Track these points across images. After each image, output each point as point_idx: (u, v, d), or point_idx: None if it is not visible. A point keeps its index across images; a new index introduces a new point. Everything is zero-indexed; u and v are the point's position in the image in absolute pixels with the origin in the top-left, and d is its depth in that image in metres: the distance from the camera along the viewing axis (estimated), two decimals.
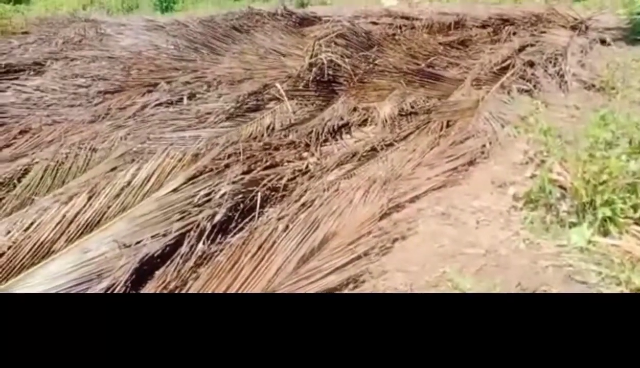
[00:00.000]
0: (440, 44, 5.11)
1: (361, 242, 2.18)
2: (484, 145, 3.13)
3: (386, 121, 3.48)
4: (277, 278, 1.97)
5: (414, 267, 2.03)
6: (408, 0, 10.04)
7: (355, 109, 3.75)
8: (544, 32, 5.58)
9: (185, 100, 4.12)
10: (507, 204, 2.52)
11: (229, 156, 3.02)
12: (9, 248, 2.03)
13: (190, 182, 2.67)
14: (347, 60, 4.30)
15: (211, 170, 2.82)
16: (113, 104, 3.93)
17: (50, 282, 1.92)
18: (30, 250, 2.05)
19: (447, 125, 3.46)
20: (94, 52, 5.43)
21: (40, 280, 1.92)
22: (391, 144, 3.25)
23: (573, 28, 5.71)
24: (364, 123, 3.64)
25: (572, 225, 2.22)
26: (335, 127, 3.48)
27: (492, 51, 5.12)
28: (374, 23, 6.51)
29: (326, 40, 4.59)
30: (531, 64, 4.51)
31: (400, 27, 5.95)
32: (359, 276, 1.98)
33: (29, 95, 4.15)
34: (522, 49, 5.04)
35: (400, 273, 2.00)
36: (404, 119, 3.60)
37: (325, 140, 3.34)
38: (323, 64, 4.18)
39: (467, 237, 2.25)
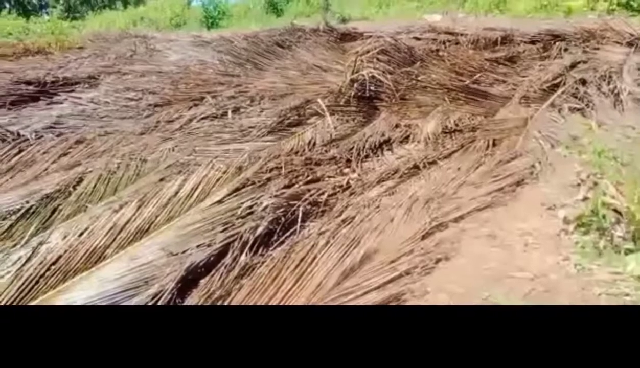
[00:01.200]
0: (486, 60, 5.05)
1: (403, 260, 2.18)
2: (532, 166, 3.07)
3: (429, 138, 3.48)
4: (317, 294, 2.01)
5: (457, 289, 2.01)
6: (452, 15, 10.01)
7: (397, 126, 3.78)
8: (597, 49, 5.42)
9: (229, 114, 4.28)
10: (557, 227, 2.45)
11: (271, 170, 3.11)
12: (66, 252, 2.18)
13: (234, 194, 2.77)
14: (389, 76, 4.34)
15: (254, 183, 2.92)
16: (162, 116, 4.15)
17: (102, 286, 2.04)
18: (84, 254, 2.19)
19: (494, 144, 3.42)
20: (144, 67, 5.76)
21: (93, 283, 2.05)
22: (434, 162, 3.24)
23: (629, 44, 5.51)
24: (405, 140, 3.66)
25: (628, 251, 2.13)
26: (377, 143, 3.51)
27: (541, 68, 5.02)
28: (417, 38, 6.53)
29: (368, 56, 4.65)
30: (583, 82, 4.39)
31: (444, 43, 5.94)
32: (401, 295, 1.98)
33: (84, 107, 4.46)
34: (573, 65, 4.90)
35: (443, 294, 1.98)
36: (448, 137, 3.58)
37: (367, 156, 3.38)
38: (365, 79, 4.24)
39: (514, 260, 2.20)
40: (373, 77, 4.21)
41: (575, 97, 4.12)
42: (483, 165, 3.13)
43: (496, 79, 4.76)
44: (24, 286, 2.00)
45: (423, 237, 2.36)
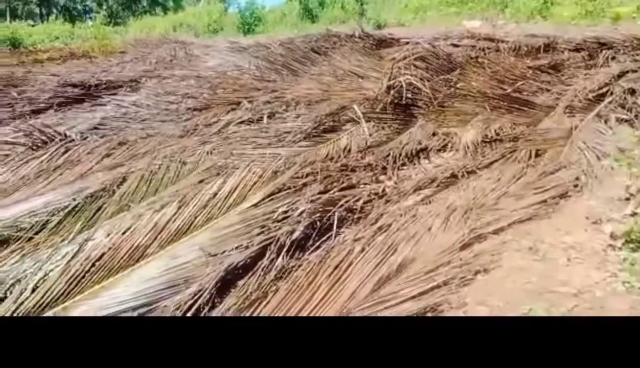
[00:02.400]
0: (529, 67, 4.96)
1: (440, 271, 2.18)
2: (577, 178, 3.00)
3: (468, 147, 3.44)
4: (353, 300, 2.03)
5: (497, 302, 1.99)
6: (492, 21, 9.86)
7: (434, 134, 3.76)
8: None
9: (265, 119, 4.38)
10: (603, 242, 2.38)
11: (307, 175, 3.16)
12: (109, 249, 2.28)
13: (270, 198, 2.82)
14: (426, 83, 4.33)
15: (289, 188, 2.97)
16: (200, 120, 4.28)
17: (143, 283, 2.13)
18: (127, 252, 2.29)
19: (536, 155, 3.35)
20: (183, 72, 5.97)
21: (135, 280, 2.14)
22: (473, 172, 3.21)
23: None
24: (443, 148, 3.63)
25: None
26: (413, 152, 3.51)
27: (587, 77, 4.88)
28: (455, 45, 6.47)
29: (405, 63, 4.65)
30: (632, 92, 4.24)
31: (484, 50, 5.86)
32: (438, 306, 1.98)
33: (127, 110, 4.66)
34: (621, 75, 4.74)
35: (482, 307, 1.97)
36: (488, 146, 3.54)
37: (403, 164, 3.38)
38: (401, 86, 4.24)
39: (556, 274, 2.16)
40: (410, 84, 4.21)
41: (623, 108, 3.99)
42: (525, 176, 3.08)
43: (539, 87, 4.67)
44: (71, 280, 2.11)
45: (461, 248, 2.35)
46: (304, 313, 1.95)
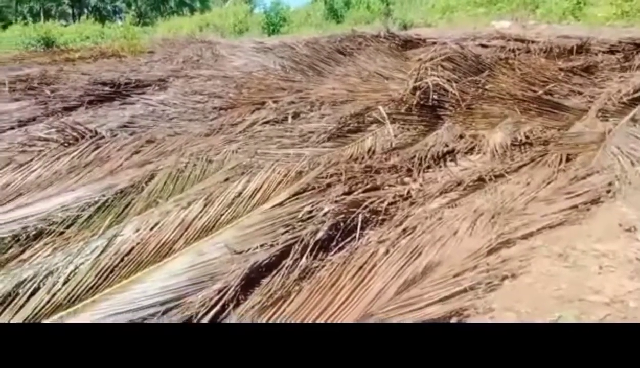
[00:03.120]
0: (560, 69, 4.85)
1: (466, 275, 2.15)
2: (610, 184, 2.91)
3: (496, 150, 3.39)
4: (376, 302, 2.03)
5: (525, 308, 1.95)
6: (522, 21, 9.68)
7: (461, 136, 3.71)
8: None
9: (290, 119, 4.41)
10: (636, 251, 2.32)
11: (331, 176, 3.17)
12: (137, 244, 2.34)
13: (294, 197, 2.84)
14: (454, 84, 4.28)
15: (314, 188, 2.98)
16: (226, 119, 4.35)
17: (170, 279, 2.18)
18: (155, 248, 2.35)
19: (567, 159, 3.28)
20: (210, 71, 6.07)
21: (162, 276, 2.19)
22: (501, 175, 3.16)
23: None
24: (470, 151, 3.59)
25: None
26: (440, 154, 3.48)
27: (621, 79, 4.74)
28: (484, 46, 6.38)
29: (432, 64, 4.61)
30: None
31: (514, 51, 5.75)
32: (463, 310, 1.96)
33: (154, 108, 4.77)
34: None
35: (509, 313, 1.94)
36: (517, 150, 3.48)
37: (428, 167, 3.35)
38: (428, 87, 4.21)
39: (587, 282, 2.11)
40: (437, 85, 4.17)
41: None
42: (555, 180, 3.01)
43: (571, 90, 4.56)
44: (100, 273, 2.17)
45: (488, 253, 2.32)
46: (326, 314, 1.96)
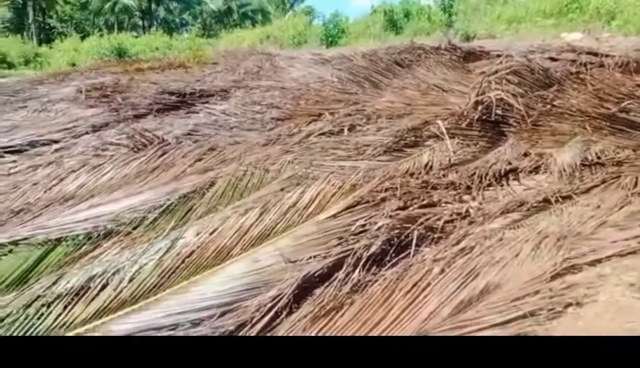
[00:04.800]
0: (637, 85, 4.55)
1: (527, 300, 2.08)
2: None
3: (564, 170, 3.25)
4: (430, 322, 2.01)
5: None
6: (595, 34, 9.19)
7: (526, 154, 3.59)
8: None
9: (345, 131, 4.47)
10: None
11: (386, 190, 3.17)
12: (198, 247, 2.48)
13: (348, 210, 2.88)
14: (519, 99, 4.15)
15: (368, 201, 3.00)
16: (283, 130, 4.49)
17: (227, 283, 2.28)
18: (213, 252, 2.47)
19: None
20: (269, 82, 6.29)
21: (219, 279, 2.30)
22: (569, 197, 3.02)
23: None
24: (535, 170, 3.46)
25: None
26: (502, 172, 3.38)
27: None
28: (553, 59, 6.12)
29: (496, 77, 4.50)
30: None
31: (586, 64, 5.46)
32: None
33: (217, 118, 5.02)
34: None
35: None
36: (587, 170, 3.31)
37: (489, 185, 3.27)
38: (491, 102, 4.11)
39: None
40: (501, 99, 4.06)
41: None
42: (629, 205, 2.84)
43: None
44: (163, 274, 2.32)
45: (552, 278, 2.23)
46: (379, 329, 1.97)
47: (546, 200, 2.99)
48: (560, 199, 3.00)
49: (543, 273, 2.21)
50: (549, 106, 4.12)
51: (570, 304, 2.08)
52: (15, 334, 1.98)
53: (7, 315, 2.04)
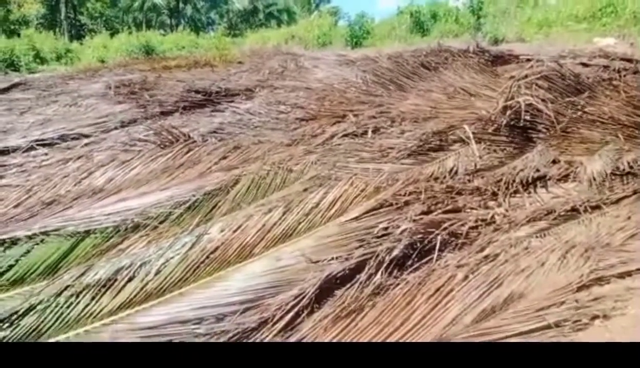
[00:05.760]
0: None
1: (552, 310, 2.06)
2: None
3: (594, 179, 3.18)
4: (452, 328, 2.01)
5: None
6: (630, 39, 8.95)
7: (555, 161, 3.53)
8: None
9: (369, 134, 4.47)
10: None
11: (409, 194, 3.17)
12: (222, 244, 2.53)
13: (371, 213, 2.89)
14: (549, 105, 4.07)
15: (391, 204, 3.01)
16: (307, 130, 4.52)
17: (249, 280, 2.33)
18: (237, 249, 2.52)
19: None
20: (293, 83, 6.33)
21: (242, 276, 2.35)
22: (598, 207, 2.96)
23: None
24: (564, 178, 3.40)
25: None
26: (529, 179, 3.33)
27: None
28: (585, 65, 5.97)
29: (526, 82, 4.43)
30: None
31: (619, 71, 5.32)
32: None
33: (241, 117, 5.09)
34: None
35: None
36: (618, 180, 3.23)
37: (516, 192, 3.23)
38: (520, 107, 4.05)
39: None
40: (530, 105, 4.00)
41: None
42: None
43: None
44: (188, 268, 2.38)
45: (578, 289, 2.20)
46: (400, 333, 1.99)
47: (574, 210, 2.94)
48: (589, 209, 2.94)
49: (569, 284, 2.18)
50: (579, 113, 4.03)
51: (597, 316, 2.05)
52: (47, 321, 2.07)
53: (40, 302, 2.13)
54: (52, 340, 2.05)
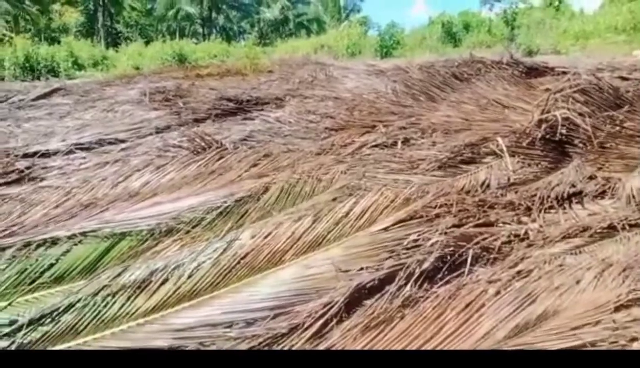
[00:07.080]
0: None
1: (587, 330, 2.02)
2: None
3: (633, 197, 3.10)
4: (483, 343, 1.99)
5: None
6: None
7: (591, 177, 3.45)
8: None
9: (399, 144, 4.48)
10: None
11: (440, 206, 3.16)
12: (253, 250, 2.59)
13: (401, 224, 2.90)
14: (587, 119, 4.00)
15: (421, 216, 3.00)
16: (336, 140, 4.57)
17: (279, 286, 2.37)
18: (267, 255, 2.57)
19: None
20: (323, 92, 6.42)
21: (272, 282, 2.40)
22: (637, 225, 2.88)
23: None
24: (601, 195, 3.32)
25: None
26: (564, 194, 3.27)
27: None
28: (624, 78, 5.84)
29: (562, 95, 4.36)
30: None
31: None
32: None
33: (271, 125, 5.19)
34: None
35: None
36: None
37: (551, 207, 3.17)
38: (556, 121, 3.98)
39: None
40: (567, 118, 3.93)
41: None
42: None
43: None
44: (219, 273, 2.44)
45: (616, 309, 2.14)
46: (429, 346, 1.98)
47: (612, 227, 2.86)
48: (627, 227, 2.87)
49: (606, 303, 2.13)
50: (618, 128, 3.94)
51: (635, 339, 1.99)
52: (85, 319, 2.16)
53: (78, 300, 2.23)
54: (89, 337, 2.14)
